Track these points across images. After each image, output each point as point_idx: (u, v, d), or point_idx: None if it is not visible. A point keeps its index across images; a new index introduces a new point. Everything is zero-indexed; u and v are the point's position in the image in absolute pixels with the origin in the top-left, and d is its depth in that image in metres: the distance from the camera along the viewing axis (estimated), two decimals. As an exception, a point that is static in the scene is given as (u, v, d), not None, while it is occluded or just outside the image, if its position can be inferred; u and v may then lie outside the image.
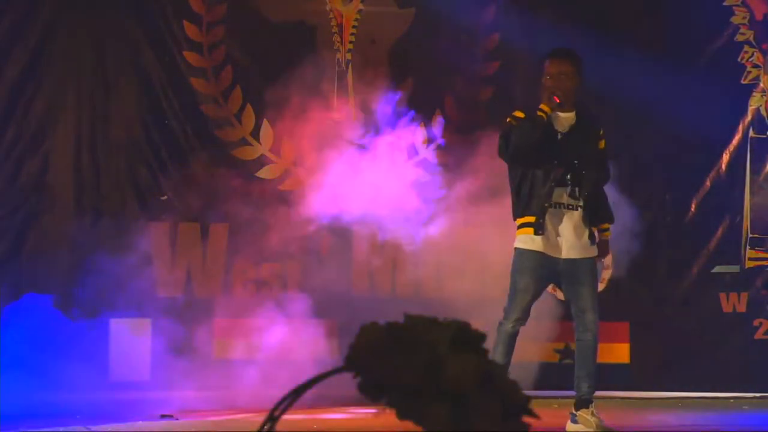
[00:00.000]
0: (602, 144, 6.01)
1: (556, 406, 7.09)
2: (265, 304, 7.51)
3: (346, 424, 6.04)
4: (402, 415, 2.12)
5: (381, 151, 7.75)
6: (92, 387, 7.10)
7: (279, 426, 2.15)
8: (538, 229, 5.75)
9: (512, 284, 5.86)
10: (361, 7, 8.02)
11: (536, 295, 5.90)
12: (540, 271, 5.82)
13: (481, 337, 2.17)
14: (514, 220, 5.93)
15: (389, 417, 2.16)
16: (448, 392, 2.07)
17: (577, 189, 5.79)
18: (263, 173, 7.86)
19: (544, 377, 7.55)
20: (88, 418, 6.25)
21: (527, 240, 5.82)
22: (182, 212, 7.68)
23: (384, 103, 7.90)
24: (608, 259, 7.97)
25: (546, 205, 5.76)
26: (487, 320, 7.30)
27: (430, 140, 7.97)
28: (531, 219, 5.78)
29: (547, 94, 5.80)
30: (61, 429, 5.74)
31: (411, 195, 7.75)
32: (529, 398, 2.16)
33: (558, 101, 5.77)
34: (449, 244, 7.62)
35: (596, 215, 5.91)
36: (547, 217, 5.77)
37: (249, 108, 7.85)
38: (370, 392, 2.13)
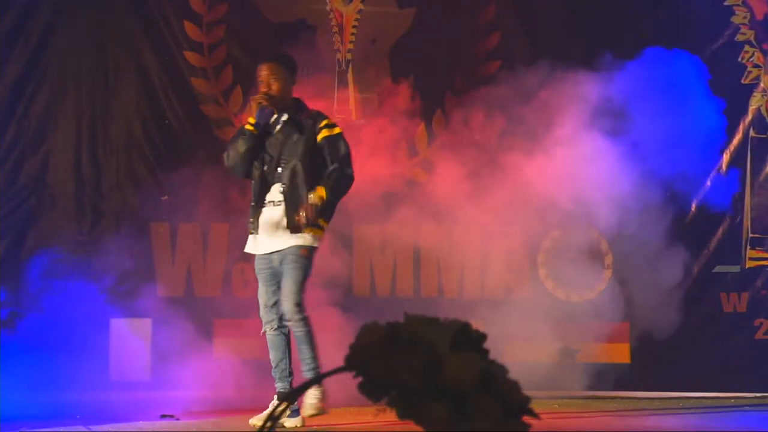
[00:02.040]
0: (322, 135, 5.89)
1: (556, 406, 7.09)
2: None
3: (346, 424, 6.04)
4: (402, 415, 2.12)
5: (381, 150, 7.74)
6: (92, 387, 7.10)
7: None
8: (253, 230, 5.87)
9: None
10: (361, 7, 8.02)
11: (273, 294, 5.87)
12: (263, 272, 5.90)
13: (481, 337, 2.17)
14: None
15: (389, 416, 2.16)
16: (448, 392, 2.06)
17: (283, 186, 5.83)
18: (263, 173, 7.85)
19: (544, 377, 7.55)
20: (88, 418, 6.24)
21: (249, 243, 5.94)
22: (182, 212, 7.68)
23: (384, 102, 7.90)
24: (608, 259, 8.00)
25: (253, 204, 5.88)
26: (487, 320, 7.36)
27: (430, 140, 7.96)
28: (250, 220, 5.90)
29: (254, 103, 5.92)
30: (61, 429, 5.74)
31: (412, 194, 7.74)
32: (529, 398, 2.15)
33: (265, 104, 5.85)
34: (449, 243, 7.61)
35: (300, 197, 5.81)
36: (260, 216, 5.85)
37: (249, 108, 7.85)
38: (370, 392, 2.13)
